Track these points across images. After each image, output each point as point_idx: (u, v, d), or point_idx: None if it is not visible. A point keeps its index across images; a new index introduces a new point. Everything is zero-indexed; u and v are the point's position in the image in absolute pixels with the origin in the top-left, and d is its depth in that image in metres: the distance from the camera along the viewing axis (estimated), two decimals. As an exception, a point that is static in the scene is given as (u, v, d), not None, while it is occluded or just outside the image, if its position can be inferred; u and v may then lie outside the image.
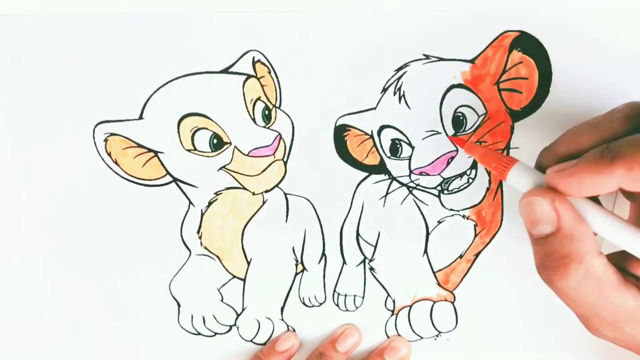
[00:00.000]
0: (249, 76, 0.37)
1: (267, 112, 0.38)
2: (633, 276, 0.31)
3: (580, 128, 0.32)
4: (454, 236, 0.42)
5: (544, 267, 0.30)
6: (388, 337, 0.44)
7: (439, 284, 0.43)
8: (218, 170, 0.39)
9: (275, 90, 0.38)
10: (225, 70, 0.37)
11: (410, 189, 0.40)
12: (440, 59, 0.37)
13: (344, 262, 0.42)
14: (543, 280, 0.31)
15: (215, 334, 0.44)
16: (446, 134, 0.38)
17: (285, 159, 0.39)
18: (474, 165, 0.39)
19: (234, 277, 0.43)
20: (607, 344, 0.44)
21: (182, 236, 0.41)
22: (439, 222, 0.41)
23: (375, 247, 0.42)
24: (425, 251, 0.42)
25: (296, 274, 0.43)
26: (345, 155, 0.39)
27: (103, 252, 0.41)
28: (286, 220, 0.41)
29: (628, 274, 0.31)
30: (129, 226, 0.41)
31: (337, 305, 0.43)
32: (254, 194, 0.40)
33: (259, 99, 0.38)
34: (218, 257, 0.42)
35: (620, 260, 0.31)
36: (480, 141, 0.39)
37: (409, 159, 0.39)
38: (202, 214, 0.41)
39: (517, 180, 0.33)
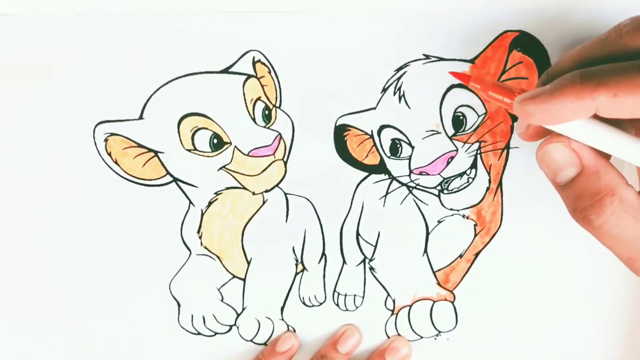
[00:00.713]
0: (249, 76, 0.37)
1: (267, 112, 0.38)
2: None
3: (588, 45, 0.30)
4: (454, 236, 0.42)
5: (578, 210, 0.30)
6: (388, 336, 0.44)
7: (438, 284, 0.43)
8: (218, 170, 0.39)
9: (276, 90, 0.38)
10: (226, 70, 0.37)
11: (410, 189, 0.40)
12: (440, 59, 0.37)
13: (344, 262, 0.42)
14: (580, 224, 0.30)
15: (216, 333, 0.44)
16: (446, 134, 0.38)
17: (285, 159, 0.39)
18: (473, 165, 0.40)
19: (234, 277, 0.43)
20: (608, 342, 0.44)
21: (182, 236, 0.41)
22: (439, 222, 0.41)
23: (375, 246, 0.42)
24: (425, 251, 0.42)
25: (296, 273, 0.43)
26: (345, 155, 0.39)
27: (103, 252, 0.41)
28: (286, 220, 0.41)
29: None
30: (129, 226, 0.41)
31: (337, 305, 0.43)
32: (254, 193, 0.40)
33: (259, 98, 0.38)
34: (218, 257, 0.42)
35: None
36: (480, 141, 0.39)
37: (409, 158, 0.39)
38: (202, 214, 0.41)
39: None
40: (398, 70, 0.37)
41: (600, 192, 0.29)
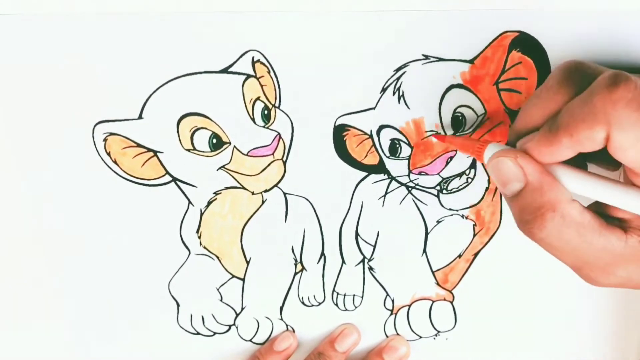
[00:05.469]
0: (248, 76, 0.37)
1: (266, 112, 0.38)
2: (616, 220, 0.31)
3: (529, 103, 0.32)
4: (453, 236, 0.42)
5: (522, 222, 0.31)
6: (387, 336, 0.44)
7: (437, 284, 0.43)
8: (217, 170, 0.39)
9: (275, 90, 0.38)
10: (225, 70, 0.37)
11: (410, 189, 0.40)
12: (440, 59, 0.37)
13: (343, 262, 0.42)
14: (526, 235, 0.31)
15: (215, 333, 0.44)
16: (445, 134, 0.38)
17: (284, 159, 0.39)
18: (472, 165, 0.40)
19: (233, 276, 0.43)
20: (606, 343, 0.44)
21: (181, 236, 0.41)
22: (438, 222, 0.41)
23: (375, 246, 0.42)
24: (424, 251, 0.42)
25: (295, 273, 0.43)
26: (345, 155, 0.39)
27: (102, 252, 0.41)
28: (285, 220, 0.41)
29: (610, 218, 0.31)
30: (128, 226, 0.41)
31: (336, 304, 0.43)
32: (253, 193, 0.40)
33: (258, 98, 0.38)
34: (217, 257, 0.42)
35: (599, 207, 0.32)
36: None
37: (408, 158, 0.39)
38: (202, 214, 0.41)
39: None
40: (397, 70, 0.37)
41: (542, 207, 0.30)
